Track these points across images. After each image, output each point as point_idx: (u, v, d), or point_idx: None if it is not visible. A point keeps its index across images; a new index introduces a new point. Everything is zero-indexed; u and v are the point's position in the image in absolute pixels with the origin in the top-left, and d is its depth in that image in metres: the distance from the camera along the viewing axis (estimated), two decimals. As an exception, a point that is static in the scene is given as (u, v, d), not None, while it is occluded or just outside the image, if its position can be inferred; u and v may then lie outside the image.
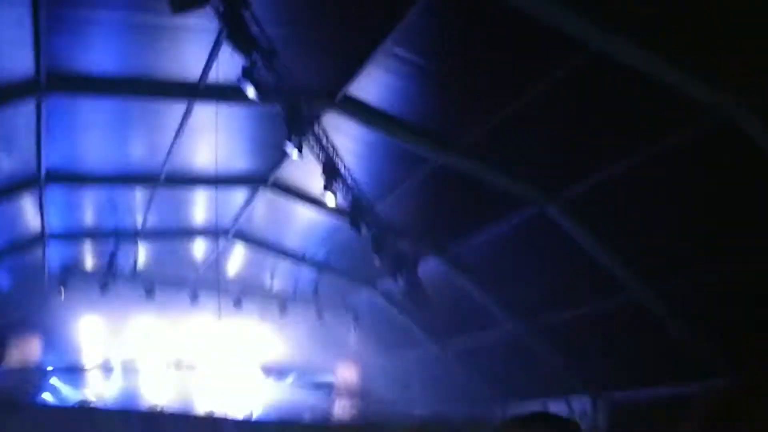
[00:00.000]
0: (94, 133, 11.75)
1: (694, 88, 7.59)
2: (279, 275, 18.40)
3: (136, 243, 16.20)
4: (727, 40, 7.12)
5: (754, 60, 7.18)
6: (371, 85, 10.18)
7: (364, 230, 12.00)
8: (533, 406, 14.73)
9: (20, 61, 8.95)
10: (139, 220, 15.28)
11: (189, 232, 16.74)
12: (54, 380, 17.83)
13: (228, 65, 8.99)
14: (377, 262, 12.54)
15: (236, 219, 15.79)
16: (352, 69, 9.73)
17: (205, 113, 10.89)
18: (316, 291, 16.88)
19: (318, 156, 10.59)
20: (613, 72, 7.85)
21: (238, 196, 14.72)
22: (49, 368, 17.91)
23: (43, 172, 11.91)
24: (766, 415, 9.98)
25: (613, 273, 10.80)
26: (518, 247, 12.17)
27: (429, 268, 13.68)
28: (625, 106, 8.53)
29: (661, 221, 9.76)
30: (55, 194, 13.12)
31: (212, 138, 11.81)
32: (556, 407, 14.20)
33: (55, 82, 9.48)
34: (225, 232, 16.57)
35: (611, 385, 12.92)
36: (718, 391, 10.53)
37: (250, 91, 8.81)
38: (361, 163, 12.01)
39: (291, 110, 9.80)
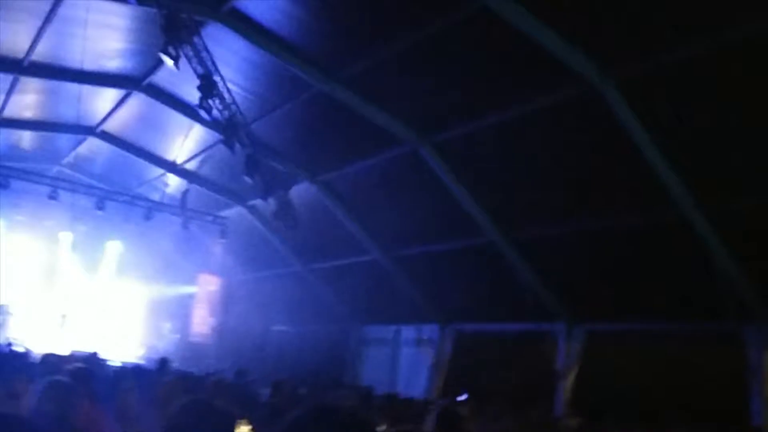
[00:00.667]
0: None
1: (567, 55, 7.95)
2: (147, 181, 17.91)
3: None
4: (603, 13, 7.48)
5: (620, 35, 7.61)
6: (261, 1, 9.91)
7: (237, 147, 11.87)
8: (388, 332, 15.44)
9: None
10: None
11: (52, 126, 15.92)
12: None
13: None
14: (248, 181, 12.48)
15: (105, 119, 15.17)
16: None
17: (79, 6, 10.27)
18: (184, 201, 16.53)
19: (195, 68, 10.28)
20: (497, 29, 8.06)
21: (109, 95, 14.09)
22: None
23: None
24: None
25: (473, 217, 11.32)
26: (388, 181, 12.47)
27: (300, 191, 13.77)
28: (503, 64, 8.81)
29: (522, 176, 10.29)
30: None
31: (84, 32, 11.21)
32: (408, 332, 14.97)
33: None
34: (92, 131, 15.90)
35: (460, 317, 13.70)
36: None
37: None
38: (241, 81, 11.76)
39: (171, 16, 9.42)
